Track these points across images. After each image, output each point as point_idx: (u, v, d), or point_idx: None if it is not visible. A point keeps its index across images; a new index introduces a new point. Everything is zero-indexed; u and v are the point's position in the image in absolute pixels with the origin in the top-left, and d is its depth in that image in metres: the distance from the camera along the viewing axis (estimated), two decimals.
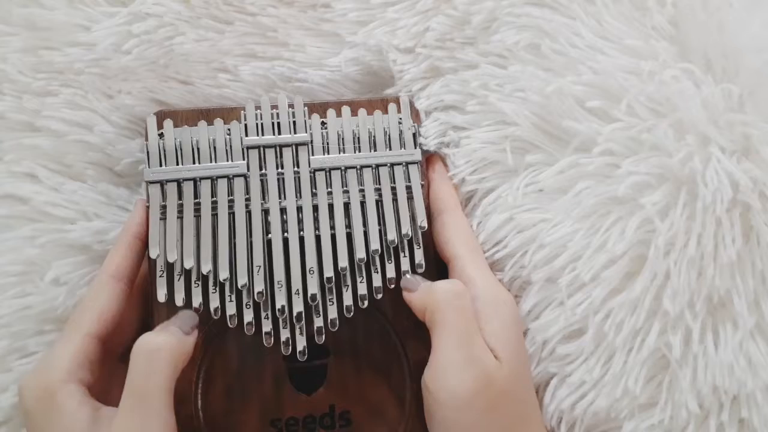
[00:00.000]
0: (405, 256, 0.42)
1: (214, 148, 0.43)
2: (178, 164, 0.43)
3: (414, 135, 0.45)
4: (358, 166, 0.44)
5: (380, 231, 0.43)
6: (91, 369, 0.38)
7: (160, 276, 0.41)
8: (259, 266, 0.41)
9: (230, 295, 0.41)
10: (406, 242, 0.43)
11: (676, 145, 0.40)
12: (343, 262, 0.41)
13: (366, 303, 0.41)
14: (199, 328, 0.40)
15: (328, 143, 0.44)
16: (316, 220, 0.42)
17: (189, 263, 0.40)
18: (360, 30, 0.48)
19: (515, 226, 0.43)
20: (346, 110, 0.45)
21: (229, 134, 0.43)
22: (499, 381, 0.37)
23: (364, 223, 0.43)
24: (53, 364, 0.37)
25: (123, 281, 0.41)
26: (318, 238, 0.42)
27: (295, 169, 0.43)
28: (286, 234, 0.42)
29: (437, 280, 0.40)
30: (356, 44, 0.48)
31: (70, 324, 0.40)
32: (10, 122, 0.46)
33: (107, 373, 0.39)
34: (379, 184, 0.44)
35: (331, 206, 0.43)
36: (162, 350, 0.36)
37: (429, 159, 0.47)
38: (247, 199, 0.42)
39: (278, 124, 0.44)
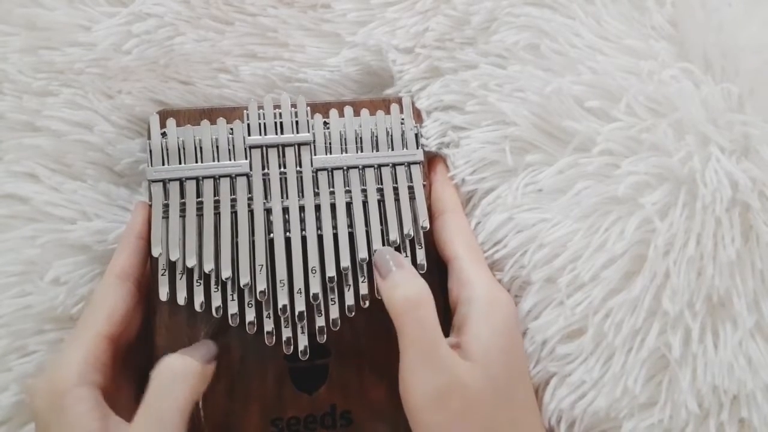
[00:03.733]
0: (407, 256, 0.42)
1: (217, 147, 0.43)
2: (180, 163, 0.43)
3: (416, 135, 0.45)
4: (361, 166, 0.44)
5: (382, 231, 0.43)
6: (103, 371, 0.37)
7: (162, 274, 0.41)
8: (261, 265, 0.41)
9: (232, 294, 0.41)
10: (408, 242, 0.43)
11: (676, 144, 0.40)
12: (345, 261, 0.42)
13: (368, 303, 0.42)
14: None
15: (330, 143, 0.44)
16: (318, 219, 0.42)
17: (191, 262, 0.41)
18: (360, 30, 0.48)
19: (515, 226, 0.43)
20: (348, 110, 0.45)
21: (231, 134, 0.44)
22: (472, 384, 0.36)
23: (366, 223, 0.43)
24: (64, 366, 0.36)
25: (129, 281, 0.41)
26: (320, 238, 0.42)
27: (298, 168, 0.43)
28: (288, 233, 0.42)
29: (404, 279, 0.39)
30: (356, 44, 0.48)
31: (80, 325, 0.39)
32: (10, 122, 0.46)
33: (115, 373, 0.39)
34: (382, 184, 0.44)
35: (333, 206, 0.43)
36: (185, 374, 0.36)
37: (431, 161, 0.47)
38: (250, 199, 0.42)
39: (281, 123, 0.44)
